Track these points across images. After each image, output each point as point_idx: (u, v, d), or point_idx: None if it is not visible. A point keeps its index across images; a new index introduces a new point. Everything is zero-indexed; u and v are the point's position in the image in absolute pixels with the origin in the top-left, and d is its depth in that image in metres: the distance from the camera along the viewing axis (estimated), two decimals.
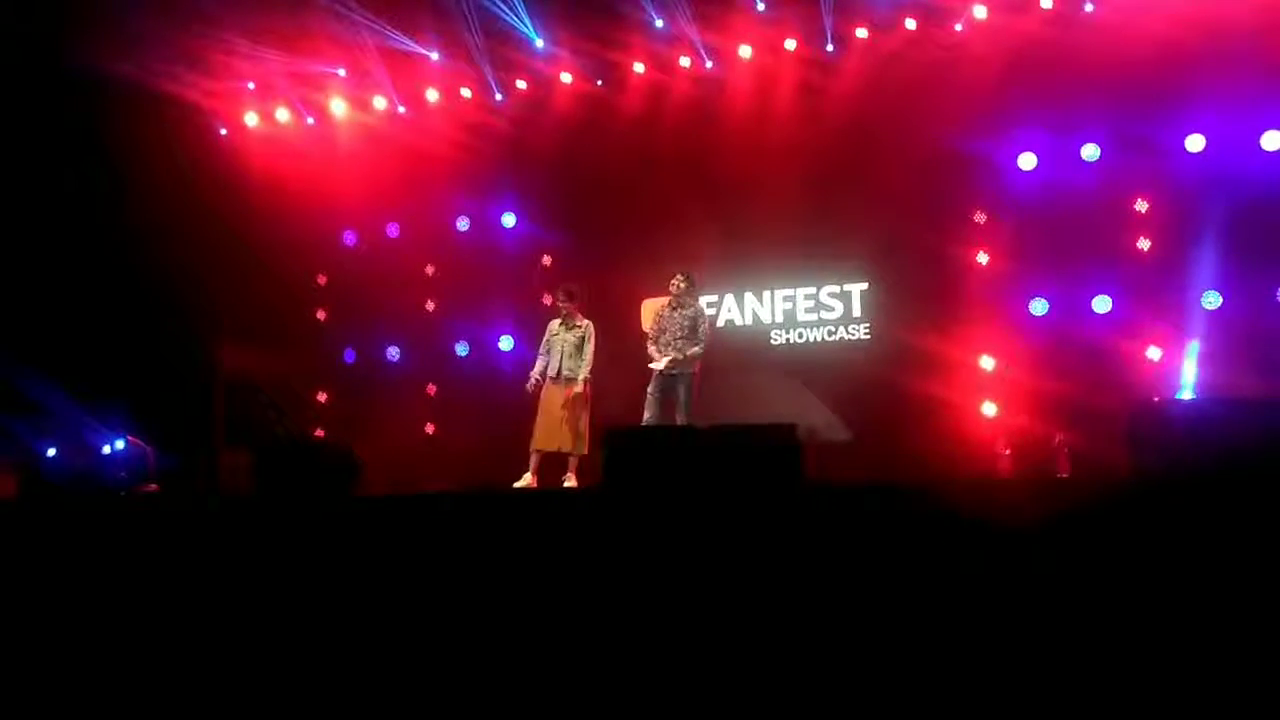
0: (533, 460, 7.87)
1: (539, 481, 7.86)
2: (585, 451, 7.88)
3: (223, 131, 11.12)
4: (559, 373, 7.95)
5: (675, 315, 7.98)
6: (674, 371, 7.81)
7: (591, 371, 7.96)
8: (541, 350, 8.13)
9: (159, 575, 4.68)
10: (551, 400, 7.93)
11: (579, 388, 7.89)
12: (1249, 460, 3.82)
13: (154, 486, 7.98)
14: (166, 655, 4.23)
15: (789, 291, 9.54)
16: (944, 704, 3.50)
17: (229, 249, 10.24)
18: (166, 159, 9.97)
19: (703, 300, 8.34)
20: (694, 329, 7.91)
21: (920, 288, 8.84)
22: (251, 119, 11.06)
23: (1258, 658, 3.35)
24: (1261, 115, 7.98)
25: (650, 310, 9.69)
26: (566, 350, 7.98)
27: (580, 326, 8.07)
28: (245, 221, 10.34)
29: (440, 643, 4.03)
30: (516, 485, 7.79)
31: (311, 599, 4.33)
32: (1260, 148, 8.02)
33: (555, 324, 8.14)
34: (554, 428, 7.85)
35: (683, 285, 7.98)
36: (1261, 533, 3.58)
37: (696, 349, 7.85)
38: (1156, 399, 7.44)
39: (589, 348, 7.99)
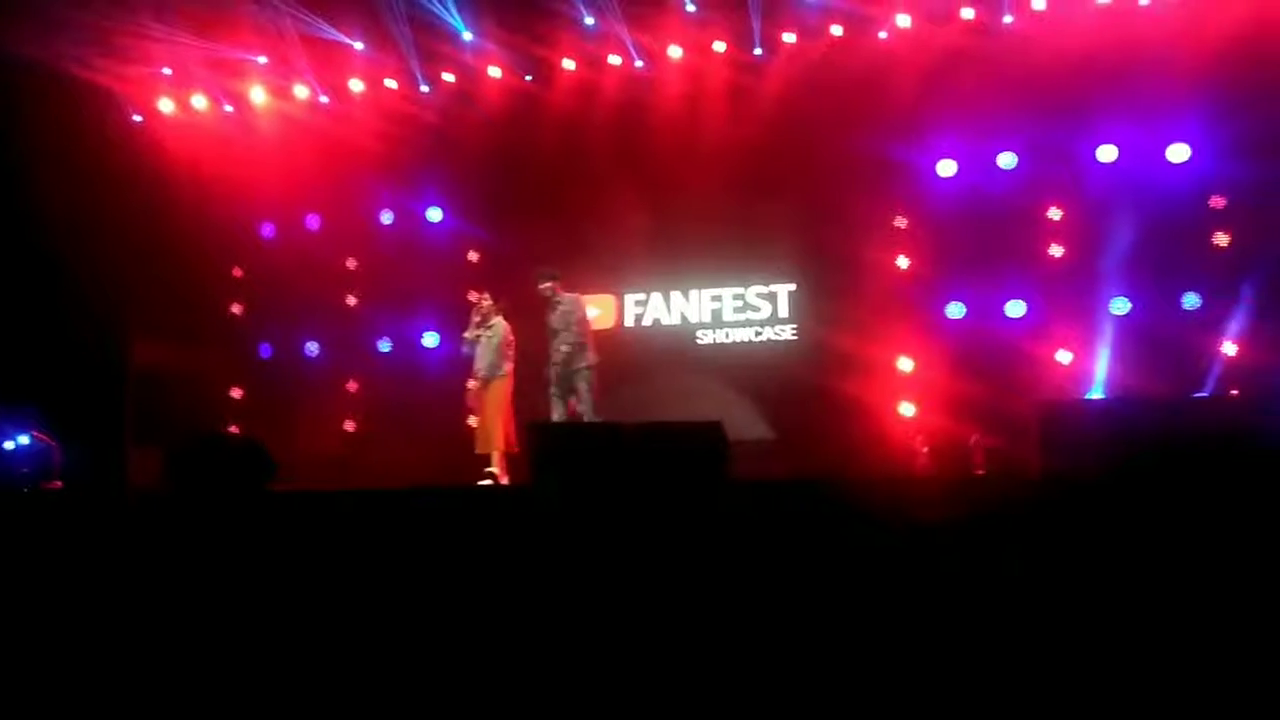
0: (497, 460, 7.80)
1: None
2: (498, 449, 7.79)
3: (137, 118, 10.75)
4: (481, 372, 7.84)
5: (553, 315, 7.88)
6: (564, 366, 7.72)
7: (511, 370, 7.89)
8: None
9: (61, 574, 4.51)
10: (471, 400, 7.86)
11: (499, 386, 7.81)
12: (1154, 456, 3.97)
13: (58, 484, 7.68)
14: (70, 656, 4.07)
15: (716, 291, 9.60)
16: (860, 695, 3.55)
17: (142, 239, 9.91)
18: (77, 145, 9.60)
19: (574, 296, 8.10)
20: (567, 324, 7.80)
21: (843, 289, 8.98)
22: (167, 105, 10.72)
23: (1158, 648, 3.46)
24: (1169, 129, 8.31)
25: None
26: (481, 351, 7.88)
27: (493, 326, 7.97)
28: (159, 211, 10.02)
29: (359, 642, 3.95)
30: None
31: (221, 598, 4.21)
32: (1167, 160, 8.33)
33: (472, 327, 7.99)
34: (479, 428, 7.78)
35: (548, 285, 7.88)
36: (1164, 526, 3.71)
37: (567, 348, 7.72)
38: (1065, 399, 7.69)
39: (504, 347, 7.89)
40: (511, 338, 7.92)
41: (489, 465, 7.68)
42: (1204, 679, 3.28)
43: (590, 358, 7.79)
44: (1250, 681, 3.23)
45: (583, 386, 7.71)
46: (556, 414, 7.75)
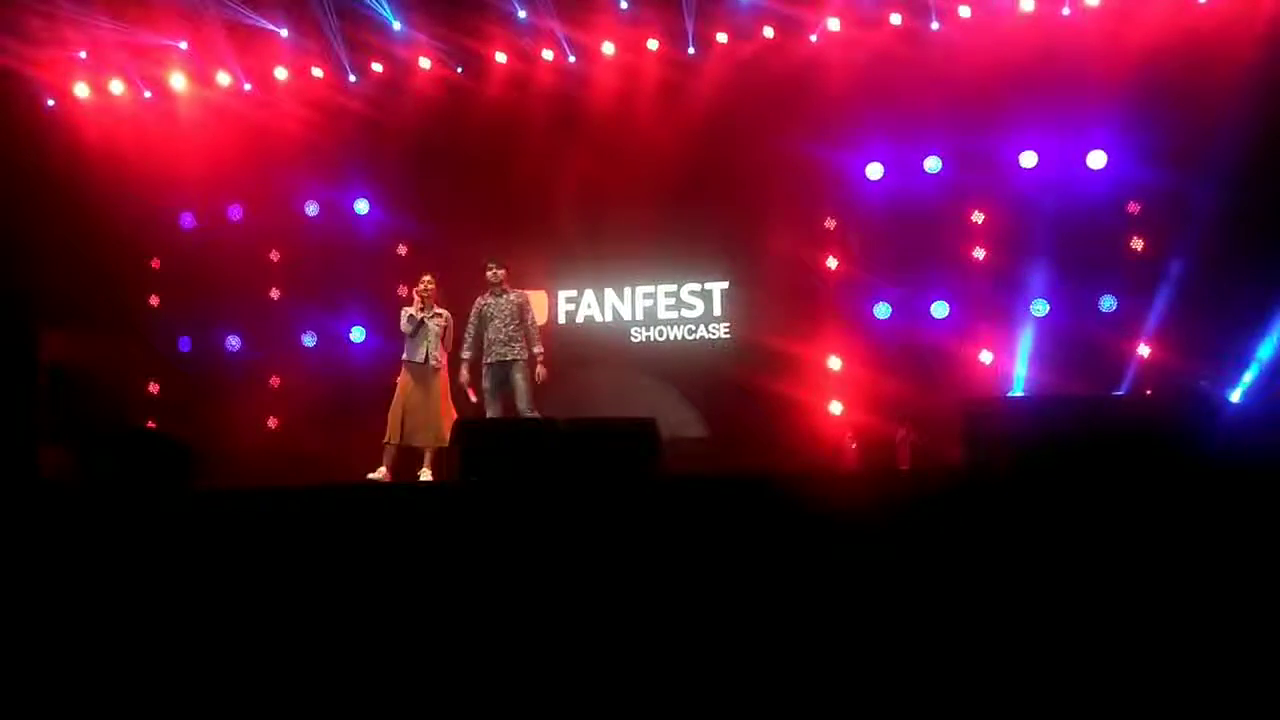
0: (389, 452, 7.67)
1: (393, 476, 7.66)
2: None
3: (50, 103, 10.37)
4: (424, 359, 7.73)
5: (500, 302, 7.79)
6: (509, 358, 7.68)
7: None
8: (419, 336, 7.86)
9: None
10: (408, 388, 7.72)
11: (442, 376, 7.76)
12: (1071, 451, 4.08)
13: None
14: None
15: (650, 288, 9.59)
16: (788, 693, 3.58)
17: (54, 228, 9.57)
18: None
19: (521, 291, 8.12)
20: (521, 315, 7.75)
21: (773, 289, 9.06)
22: (82, 90, 10.36)
23: (1076, 641, 3.55)
24: (1088, 135, 8.55)
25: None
26: (432, 338, 7.78)
27: (442, 314, 7.91)
28: (73, 198, 9.68)
29: (282, 642, 3.86)
30: (371, 476, 7.57)
31: (138, 598, 4.08)
32: (1087, 165, 8.57)
33: (413, 309, 7.88)
34: (422, 419, 7.64)
35: (500, 273, 7.82)
36: (1079, 519, 3.81)
37: (505, 337, 7.67)
38: (989, 396, 7.88)
39: (448, 336, 7.88)
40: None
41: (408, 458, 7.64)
42: (1114, 668, 3.38)
43: (531, 351, 7.68)
44: (1158, 670, 3.33)
45: (518, 378, 7.63)
46: (492, 411, 7.66)
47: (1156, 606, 3.51)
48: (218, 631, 3.87)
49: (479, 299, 7.94)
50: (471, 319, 7.94)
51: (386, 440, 7.67)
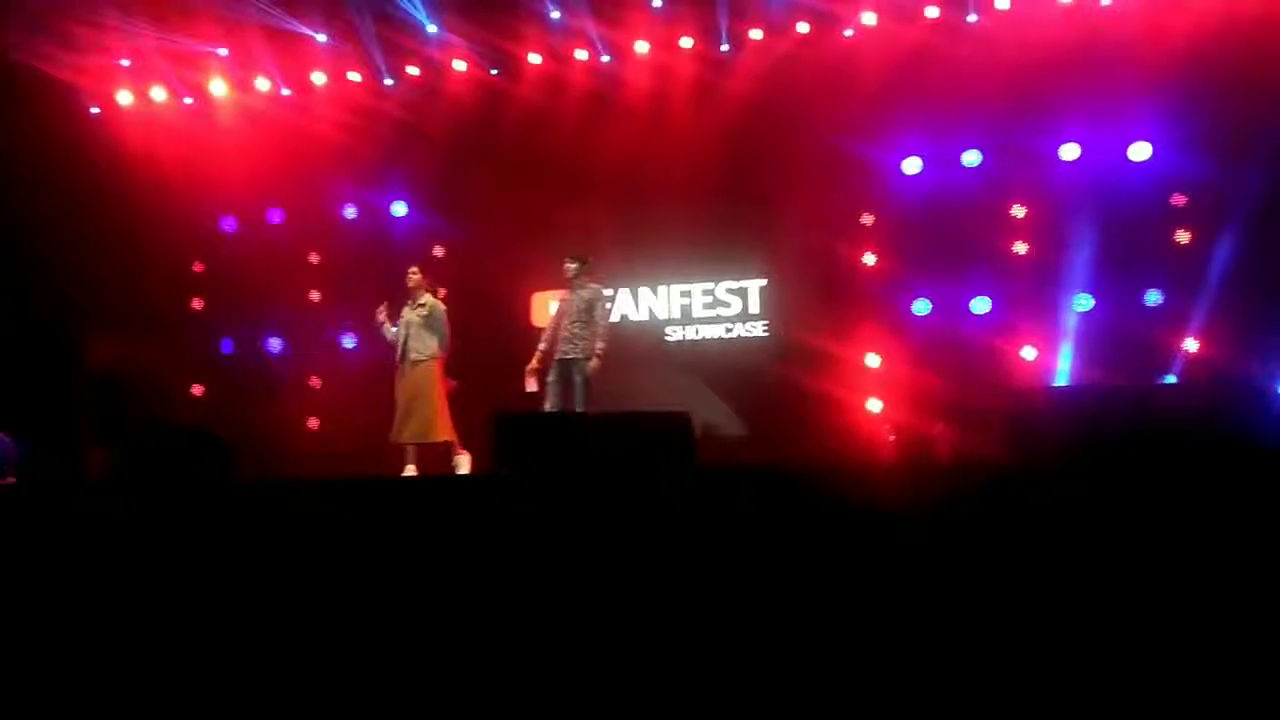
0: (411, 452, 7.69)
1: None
2: (443, 438, 7.68)
3: (94, 110, 10.56)
4: (401, 354, 7.67)
5: (571, 299, 7.74)
6: (570, 357, 7.66)
7: (445, 351, 7.76)
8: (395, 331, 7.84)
9: (18, 570, 4.39)
10: (397, 387, 7.72)
11: (430, 369, 7.66)
12: (1120, 444, 3.99)
13: (11, 480, 7.50)
14: (32, 655, 3.97)
15: (685, 287, 9.55)
16: (831, 687, 3.53)
17: (100, 234, 9.72)
18: (32, 138, 9.41)
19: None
20: (589, 312, 7.65)
21: (810, 286, 8.99)
22: (125, 97, 10.54)
23: (1125, 642, 3.47)
24: (1131, 127, 8.39)
25: (540, 304, 9.62)
26: (412, 331, 7.71)
27: (424, 305, 7.79)
28: (117, 204, 9.85)
29: (324, 637, 3.88)
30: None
31: (182, 593, 4.12)
32: (1129, 158, 8.42)
33: (408, 308, 7.83)
34: (403, 415, 7.62)
35: (573, 268, 7.76)
36: (1128, 513, 3.72)
37: (571, 335, 7.60)
38: (1032, 387, 7.76)
39: (442, 328, 7.76)
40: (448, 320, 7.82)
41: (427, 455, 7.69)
42: (1166, 667, 3.30)
43: (596, 350, 7.59)
44: (1212, 669, 3.25)
45: (579, 378, 7.58)
46: (550, 404, 7.63)
47: (1210, 606, 3.42)
48: (261, 624, 3.89)
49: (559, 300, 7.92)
50: (552, 315, 7.91)
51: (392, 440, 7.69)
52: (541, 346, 7.81)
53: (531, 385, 7.73)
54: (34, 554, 4.49)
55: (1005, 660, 3.45)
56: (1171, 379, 7.88)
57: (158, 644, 3.90)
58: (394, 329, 7.81)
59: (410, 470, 7.62)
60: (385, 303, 7.86)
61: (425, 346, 7.67)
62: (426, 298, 7.81)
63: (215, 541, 4.32)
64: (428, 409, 7.60)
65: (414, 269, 7.94)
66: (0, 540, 4.67)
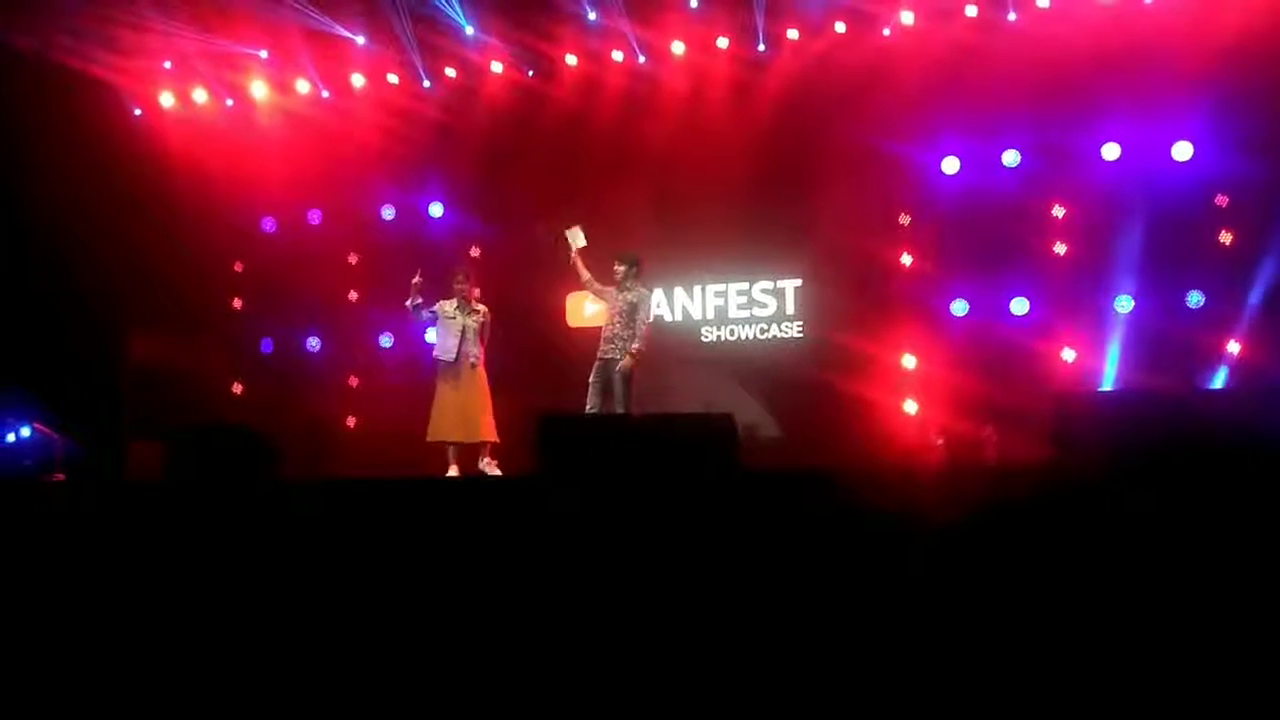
0: (449, 451, 7.77)
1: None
2: (492, 438, 7.82)
3: (137, 112, 10.72)
4: (457, 355, 7.77)
5: (619, 297, 7.75)
6: (610, 357, 7.67)
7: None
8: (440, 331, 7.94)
9: (67, 565, 4.47)
10: (450, 385, 7.79)
11: (483, 372, 7.83)
12: (1172, 449, 3.95)
13: (60, 476, 7.65)
14: (72, 649, 4.04)
15: (720, 287, 9.55)
16: (877, 692, 3.53)
17: (142, 233, 9.86)
18: (76, 139, 9.56)
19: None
20: (631, 315, 7.66)
21: (846, 287, 8.97)
22: (167, 99, 10.69)
23: (1173, 652, 3.44)
24: (1173, 126, 8.29)
25: (575, 304, 9.66)
26: (470, 333, 7.83)
27: (479, 311, 7.96)
28: (159, 205, 9.99)
29: (366, 635, 3.92)
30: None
31: (228, 589, 4.18)
32: (1172, 158, 8.32)
33: (450, 306, 7.94)
34: (456, 414, 7.71)
35: (621, 269, 7.78)
36: (1178, 520, 3.69)
37: (635, 344, 7.58)
38: (1079, 389, 7.69)
39: (488, 333, 7.96)
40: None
41: (475, 454, 7.75)
42: (1216, 674, 3.27)
43: (631, 349, 7.58)
44: (1262, 678, 3.22)
45: (619, 380, 7.59)
46: (591, 404, 7.66)
47: (1259, 616, 3.39)
48: (306, 621, 3.94)
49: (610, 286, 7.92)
50: (596, 284, 7.91)
51: (437, 439, 7.75)
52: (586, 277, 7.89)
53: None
54: (86, 550, 4.58)
55: (1053, 669, 3.44)
56: (1218, 384, 7.77)
57: (212, 639, 3.96)
58: (425, 314, 7.93)
59: (454, 470, 7.69)
60: (420, 279, 7.90)
61: (478, 350, 7.83)
62: (480, 305, 7.96)
63: (262, 538, 4.38)
64: (484, 411, 7.77)
65: (461, 274, 8.00)
66: (54, 535, 4.76)
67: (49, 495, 6.58)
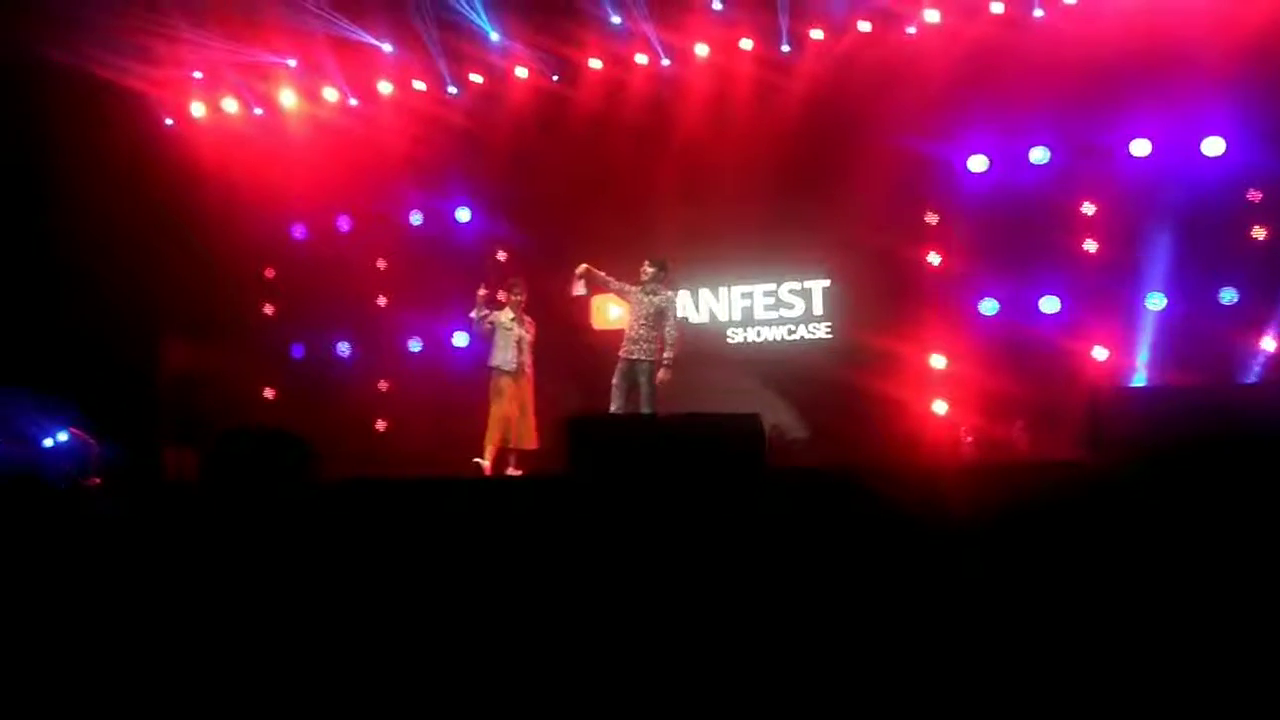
0: (493, 454, 7.85)
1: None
2: (536, 445, 7.94)
3: (168, 121, 10.87)
4: (518, 366, 7.90)
5: (644, 300, 7.81)
6: (635, 357, 7.72)
7: None
8: (499, 338, 8.03)
9: (105, 569, 4.54)
10: (509, 394, 7.88)
11: (529, 381, 7.99)
12: (1203, 443, 3.92)
13: (97, 480, 7.77)
14: (110, 652, 4.10)
15: (747, 288, 9.55)
16: (905, 691, 3.52)
17: (174, 241, 10.01)
18: (110, 149, 9.74)
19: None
20: (659, 318, 7.72)
21: (873, 286, 8.93)
22: (198, 109, 10.83)
23: (1208, 639, 3.41)
24: (1203, 122, 8.20)
25: (600, 307, 9.70)
26: (525, 344, 7.94)
27: (529, 321, 8.14)
28: (191, 213, 10.14)
29: (400, 634, 3.96)
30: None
31: (265, 590, 4.23)
32: (1202, 153, 8.23)
33: (508, 316, 8.05)
34: (513, 421, 7.82)
35: (650, 271, 7.82)
36: (1218, 521, 3.66)
37: (667, 352, 7.66)
38: (1115, 385, 7.62)
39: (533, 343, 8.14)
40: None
41: (494, 460, 7.89)
42: (1251, 674, 3.23)
43: (664, 361, 7.66)
44: None
45: (643, 380, 7.64)
46: (615, 405, 7.71)
47: None
48: (341, 622, 3.98)
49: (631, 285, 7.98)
50: (619, 284, 7.97)
51: (497, 445, 7.82)
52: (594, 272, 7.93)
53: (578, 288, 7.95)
54: (127, 550, 4.65)
55: (1084, 670, 3.42)
56: (1251, 379, 7.68)
57: (254, 638, 4.01)
58: (487, 325, 8.02)
59: (515, 471, 7.89)
60: (485, 291, 8.03)
61: (529, 360, 8.04)
62: (526, 315, 8.09)
63: (300, 539, 4.43)
64: (531, 418, 7.98)
65: (516, 284, 8.15)
66: (94, 538, 4.84)
67: (86, 499, 6.69)
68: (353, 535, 4.25)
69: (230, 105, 10.82)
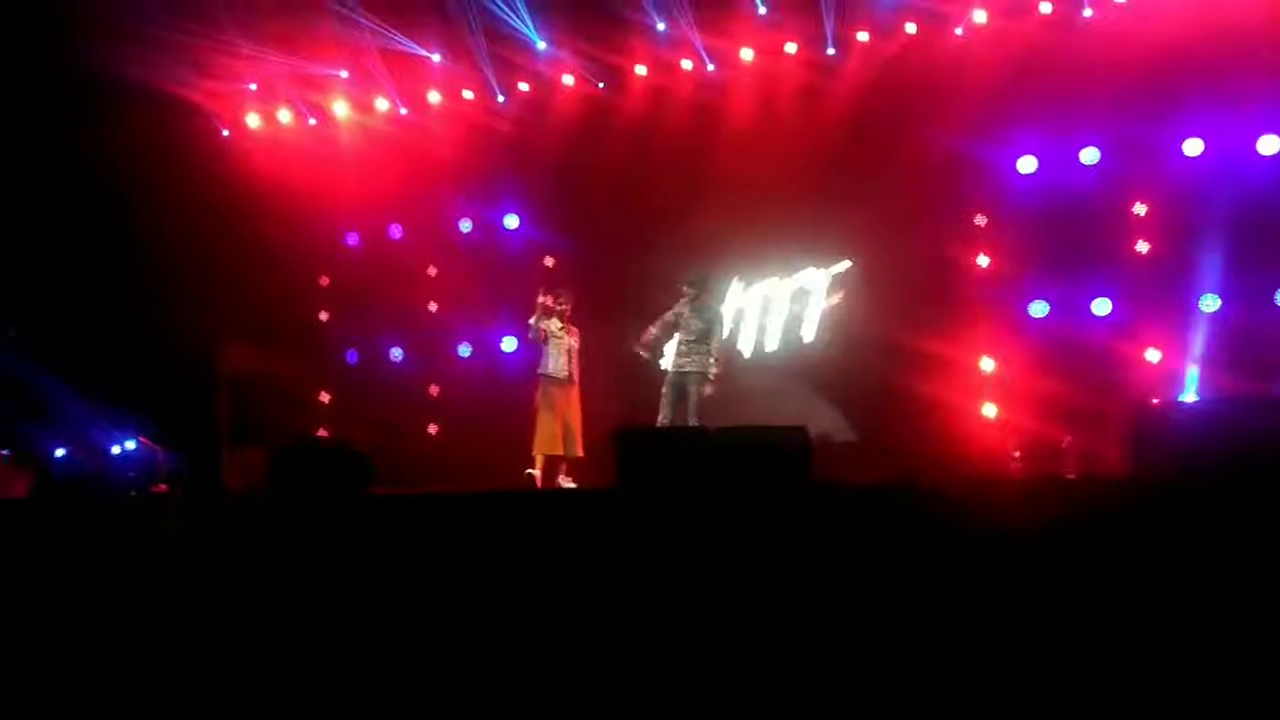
0: (543, 463, 7.98)
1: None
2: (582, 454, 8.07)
3: (225, 133, 11.13)
4: (569, 375, 8.02)
5: (691, 317, 7.95)
6: (684, 370, 7.83)
7: None
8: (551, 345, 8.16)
9: (170, 576, 4.71)
10: (562, 403, 8.00)
11: (577, 390, 8.12)
12: (1252, 460, 3.90)
13: (163, 487, 8.02)
14: (179, 658, 4.25)
15: (794, 288, 9.55)
16: (950, 703, 3.56)
17: (232, 250, 10.25)
18: (170, 160, 10.01)
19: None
20: (707, 334, 7.88)
21: (922, 289, 8.89)
22: (253, 120, 11.07)
23: (1256, 657, 3.41)
24: (1258, 120, 8.08)
25: None
26: (574, 353, 8.06)
27: (576, 330, 8.26)
28: (248, 222, 10.36)
29: (455, 644, 4.07)
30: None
31: (324, 599, 4.36)
32: (1257, 152, 8.10)
33: (556, 325, 8.16)
34: (565, 430, 7.95)
35: (690, 291, 7.95)
36: (1265, 533, 3.65)
37: (712, 362, 7.81)
38: (1157, 401, 7.53)
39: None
40: None
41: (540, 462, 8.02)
42: None
43: (711, 374, 7.80)
44: None
45: (692, 390, 7.77)
46: (664, 416, 7.82)
47: None
48: (397, 635, 4.11)
49: (676, 307, 8.08)
50: (662, 318, 8.08)
51: (547, 453, 7.95)
52: (648, 336, 8.08)
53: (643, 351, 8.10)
54: (192, 557, 4.82)
55: (1128, 684, 3.43)
56: None
57: (319, 642, 4.15)
58: (543, 333, 8.14)
59: (568, 481, 8.07)
60: (545, 298, 8.17)
61: (577, 368, 8.17)
62: (572, 325, 8.24)
63: (359, 550, 4.57)
64: (579, 427, 8.12)
65: (565, 294, 8.28)
66: (165, 544, 5.02)
67: (155, 505, 6.92)
68: (411, 549, 4.37)
69: (284, 116, 11.04)
